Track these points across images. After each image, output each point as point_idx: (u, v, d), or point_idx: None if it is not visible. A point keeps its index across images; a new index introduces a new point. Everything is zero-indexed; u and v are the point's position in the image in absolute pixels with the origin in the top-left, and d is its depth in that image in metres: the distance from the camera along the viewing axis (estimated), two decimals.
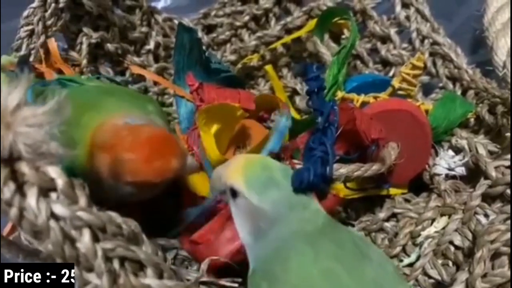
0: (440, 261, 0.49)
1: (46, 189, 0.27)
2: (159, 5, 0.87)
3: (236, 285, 0.46)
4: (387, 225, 0.56)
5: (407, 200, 0.58)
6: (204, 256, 0.47)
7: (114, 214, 0.29)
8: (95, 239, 0.28)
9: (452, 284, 0.44)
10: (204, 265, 0.46)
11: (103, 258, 0.27)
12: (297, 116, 0.63)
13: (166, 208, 0.52)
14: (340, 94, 0.55)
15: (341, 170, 0.47)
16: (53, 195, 0.27)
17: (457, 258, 0.49)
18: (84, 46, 0.67)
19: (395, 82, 0.56)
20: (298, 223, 0.37)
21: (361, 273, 0.36)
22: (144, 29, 0.77)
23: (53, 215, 0.27)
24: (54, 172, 0.27)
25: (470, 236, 0.49)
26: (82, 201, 0.28)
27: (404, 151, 0.50)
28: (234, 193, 0.38)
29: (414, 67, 0.55)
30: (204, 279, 0.45)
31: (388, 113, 0.51)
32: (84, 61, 0.66)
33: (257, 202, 0.37)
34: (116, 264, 0.28)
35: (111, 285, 0.27)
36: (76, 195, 0.28)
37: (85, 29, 0.68)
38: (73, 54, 0.67)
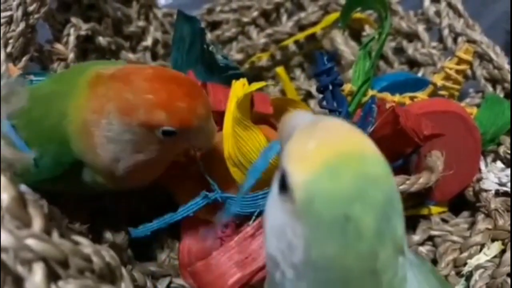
0: None
1: None
2: (160, 4, 0.79)
3: None
4: (422, 249, 0.48)
5: (444, 221, 0.50)
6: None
7: (83, 241, 0.20)
8: (52, 277, 0.19)
9: None
10: None
11: None
12: None
13: None
14: (370, 93, 0.46)
15: None
16: None
17: None
18: (72, 38, 0.59)
19: (437, 79, 0.48)
20: None
21: None
22: (141, 23, 0.70)
23: None
24: None
25: None
26: (37, 224, 0.19)
27: (450, 161, 0.41)
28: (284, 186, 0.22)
29: (460, 61, 0.46)
30: None
31: (433, 116, 0.42)
32: (71, 55, 0.58)
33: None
34: None
35: None
36: (29, 215, 0.19)
37: (73, 19, 0.60)
38: (59, 46, 0.58)
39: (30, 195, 0.20)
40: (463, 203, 0.50)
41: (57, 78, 0.44)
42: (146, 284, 0.34)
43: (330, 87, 0.42)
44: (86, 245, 0.21)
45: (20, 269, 0.18)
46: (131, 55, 0.67)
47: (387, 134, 0.40)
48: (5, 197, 0.18)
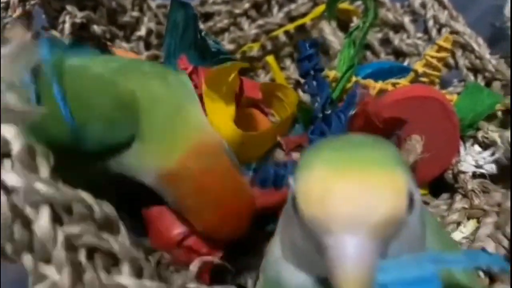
0: None
1: None
2: None
3: None
4: None
5: (425, 203, 0.51)
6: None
7: (84, 193, 0.22)
8: (57, 220, 0.21)
9: None
10: (193, 267, 0.38)
11: (64, 246, 0.20)
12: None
13: None
14: (354, 79, 0.49)
15: None
16: (6, 162, 0.21)
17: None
18: (67, 26, 0.60)
19: (418, 66, 0.50)
20: None
21: None
22: (135, 13, 0.71)
23: (3, 187, 0.20)
24: (9, 133, 0.21)
25: (506, 243, 0.42)
26: (43, 171, 0.21)
27: (430, 144, 0.43)
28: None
29: (440, 49, 0.49)
30: (192, 285, 0.38)
31: (413, 101, 0.44)
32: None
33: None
34: (82, 255, 0.21)
35: (74, 283, 0.20)
36: (36, 163, 0.21)
37: (69, 7, 0.61)
38: (55, 33, 0.60)
39: (39, 146, 0.22)
40: (443, 185, 0.52)
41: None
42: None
43: (312, 73, 0.43)
44: (87, 196, 0.22)
45: (28, 211, 0.20)
46: (125, 44, 0.68)
47: (361, 124, 0.42)
48: (16, 145, 0.20)
